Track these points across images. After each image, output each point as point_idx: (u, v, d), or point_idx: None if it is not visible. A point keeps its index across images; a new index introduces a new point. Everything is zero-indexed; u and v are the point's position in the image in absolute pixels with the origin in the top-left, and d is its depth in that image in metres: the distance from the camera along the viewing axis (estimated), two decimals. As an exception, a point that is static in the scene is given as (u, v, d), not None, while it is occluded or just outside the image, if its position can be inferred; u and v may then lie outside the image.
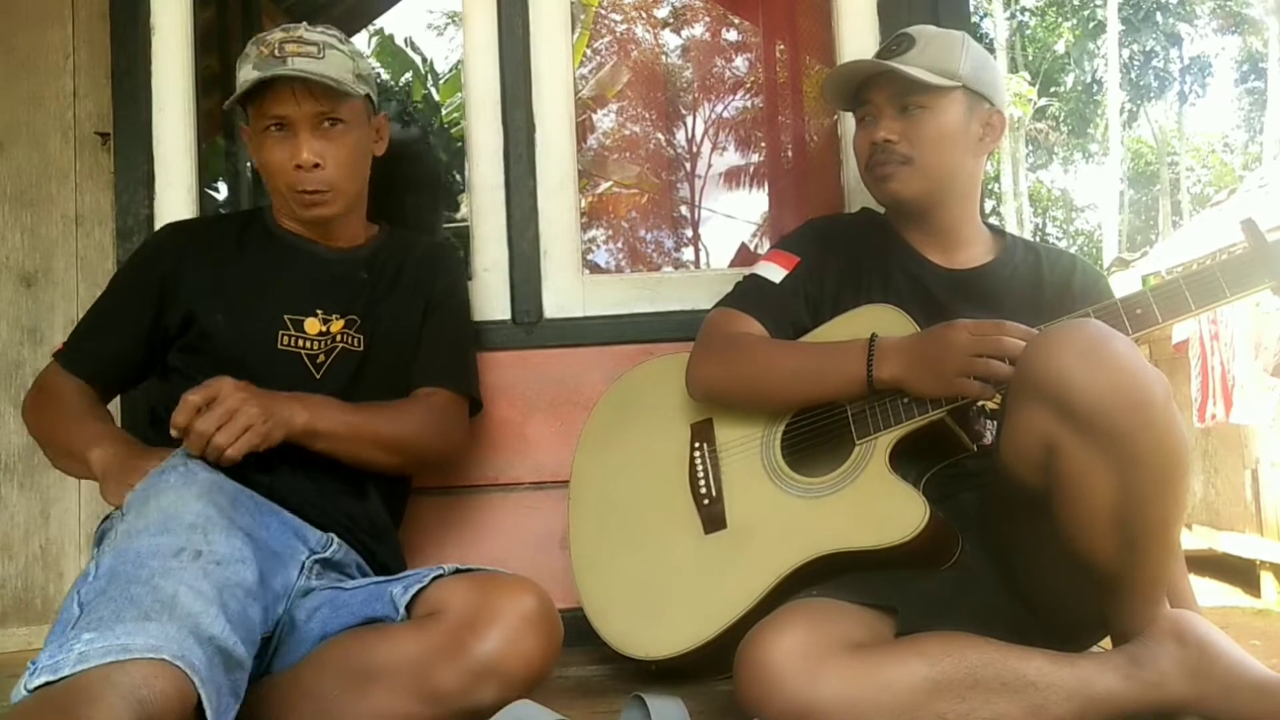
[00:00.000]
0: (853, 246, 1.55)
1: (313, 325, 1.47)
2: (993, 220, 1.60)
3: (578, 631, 1.40)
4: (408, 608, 1.22)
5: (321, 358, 1.46)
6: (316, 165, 1.43)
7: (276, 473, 1.34)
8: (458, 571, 1.26)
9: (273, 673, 1.24)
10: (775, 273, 1.53)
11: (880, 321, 1.41)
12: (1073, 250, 1.78)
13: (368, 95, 1.51)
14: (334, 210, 1.49)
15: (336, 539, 1.37)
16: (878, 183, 1.50)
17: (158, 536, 1.09)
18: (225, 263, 1.50)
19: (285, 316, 1.46)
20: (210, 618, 1.01)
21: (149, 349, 1.49)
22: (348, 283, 1.53)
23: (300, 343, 1.46)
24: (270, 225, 1.56)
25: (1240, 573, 5.46)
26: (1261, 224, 1.28)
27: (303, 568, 1.31)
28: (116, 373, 1.51)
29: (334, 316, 1.48)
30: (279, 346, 1.44)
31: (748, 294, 1.53)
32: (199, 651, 0.97)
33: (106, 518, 1.36)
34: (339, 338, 1.47)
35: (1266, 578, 5.24)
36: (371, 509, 1.45)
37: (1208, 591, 5.53)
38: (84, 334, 1.51)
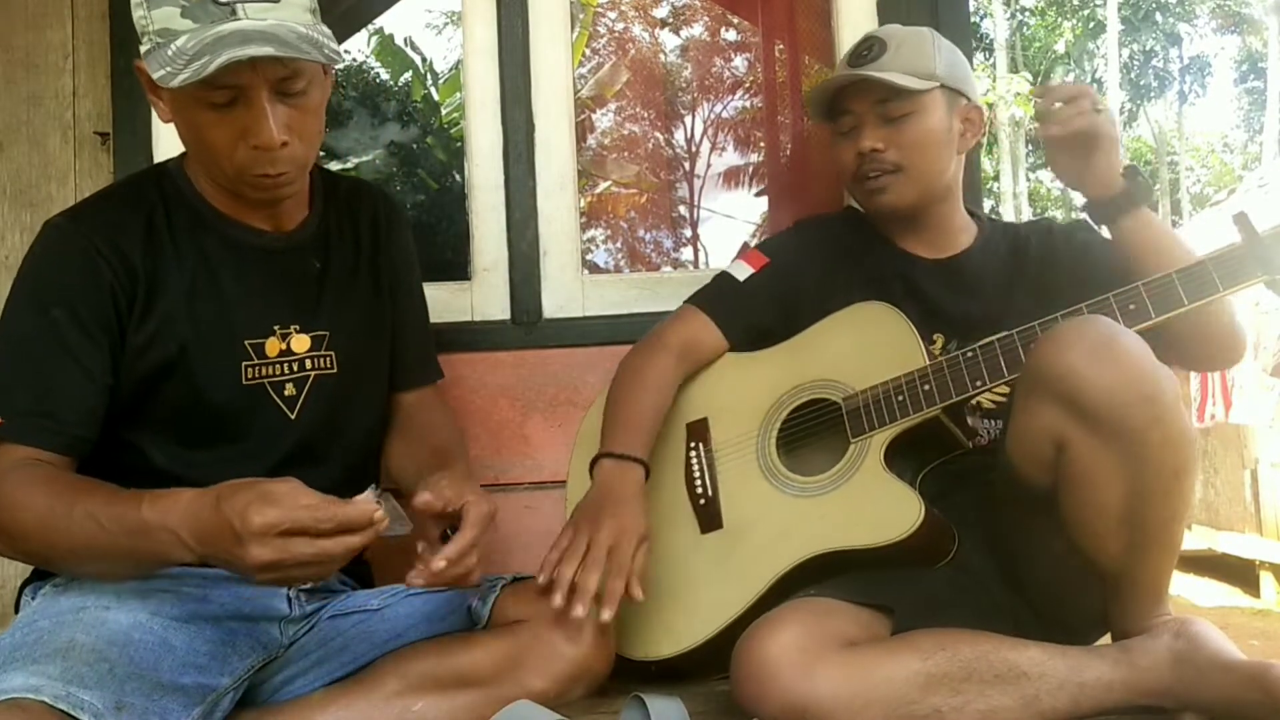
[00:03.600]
0: (837, 247, 1.56)
1: (273, 346, 1.24)
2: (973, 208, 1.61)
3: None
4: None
5: (291, 389, 1.25)
6: (284, 144, 1.13)
7: None
8: (515, 580, 1.28)
9: (307, 690, 1.22)
10: (743, 271, 1.56)
11: (874, 319, 1.42)
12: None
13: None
14: (295, 190, 1.23)
15: None
16: (870, 195, 1.50)
17: (60, 614, 1.09)
18: (164, 269, 1.20)
19: (246, 342, 1.23)
20: (116, 651, 1.02)
21: (113, 398, 1.17)
22: (302, 281, 1.29)
23: (264, 371, 1.24)
24: (196, 204, 1.24)
25: (1239, 573, 5.46)
26: (1258, 221, 1.28)
27: (289, 600, 1.28)
28: (93, 433, 1.15)
29: (293, 329, 1.26)
30: (245, 382, 1.22)
31: (710, 292, 1.56)
32: (96, 690, 0.97)
33: (23, 587, 1.25)
34: (309, 362, 1.26)
35: (1266, 578, 5.25)
36: None
37: (1207, 591, 5.53)
38: (31, 393, 1.12)
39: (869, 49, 1.48)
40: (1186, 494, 1.15)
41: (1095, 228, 1.46)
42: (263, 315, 1.25)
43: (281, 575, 0.99)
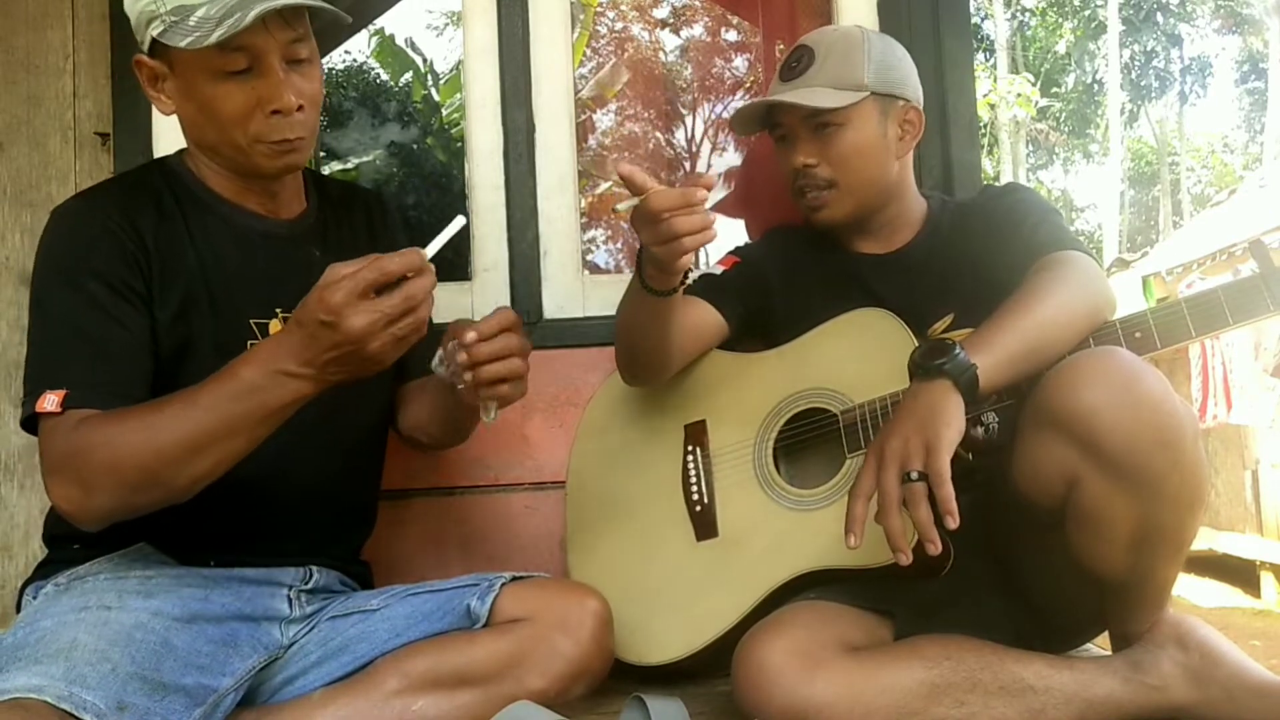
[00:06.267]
0: (800, 253, 1.57)
1: (275, 329, 1.25)
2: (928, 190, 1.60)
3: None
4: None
5: None
6: (299, 108, 1.18)
7: (234, 539, 1.25)
8: (515, 579, 1.28)
9: (307, 690, 1.21)
10: (719, 271, 1.58)
11: (874, 328, 1.41)
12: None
13: None
14: (305, 159, 1.25)
15: (315, 568, 1.33)
16: (809, 211, 1.49)
17: (63, 614, 1.09)
18: (176, 250, 1.22)
19: (250, 321, 1.25)
20: (118, 651, 1.03)
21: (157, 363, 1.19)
22: (304, 268, 1.24)
23: None
24: (198, 190, 1.27)
25: (1240, 573, 5.46)
26: (1265, 223, 1.26)
27: (289, 601, 1.29)
28: (147, 393, 1.15)
29: None
30: None
31: (698, 285, 1.55)
32: (98, 690, 0.97)
33: (24, 587, 1.26)
34: None
35: (1266, 578, 5.25)
36: (346, 534, 1.41)
37: (1208, 592, 5.53)
38: (87, 363, 1.13)
39: (797, 61, 1.46)
40: (1199, 519, 1.13)
41: (1027, 186, 1.46)
42: (268, 297, 1.27)
43: (389, 338, 1.01)
